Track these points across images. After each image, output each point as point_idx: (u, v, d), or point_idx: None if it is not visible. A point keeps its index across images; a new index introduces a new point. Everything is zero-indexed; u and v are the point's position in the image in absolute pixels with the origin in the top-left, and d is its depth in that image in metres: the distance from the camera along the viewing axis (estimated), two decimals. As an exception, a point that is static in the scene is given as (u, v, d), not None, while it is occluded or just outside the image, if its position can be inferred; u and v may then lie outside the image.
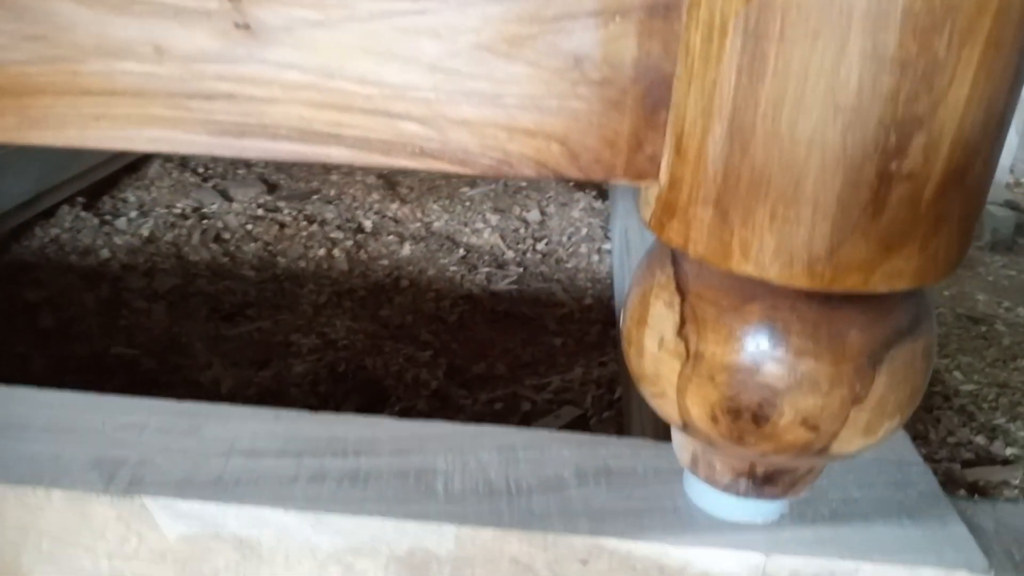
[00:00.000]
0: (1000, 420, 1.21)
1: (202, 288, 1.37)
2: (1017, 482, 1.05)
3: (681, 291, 0.31)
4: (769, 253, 0.28)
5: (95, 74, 0.30)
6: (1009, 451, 1.13)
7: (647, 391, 0.33)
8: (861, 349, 0.29)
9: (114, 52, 0.30)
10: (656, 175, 0.30)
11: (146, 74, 0.30)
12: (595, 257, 1.55)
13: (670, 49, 0.28)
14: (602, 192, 1.79)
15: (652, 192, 0.31)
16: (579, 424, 1.05)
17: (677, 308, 0.31)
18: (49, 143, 0.32)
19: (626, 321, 0.34)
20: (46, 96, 0.31)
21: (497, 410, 1.11)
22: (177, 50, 0.30)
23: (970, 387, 1.32)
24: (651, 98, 0.29)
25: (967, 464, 1.10)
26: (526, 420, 1.08)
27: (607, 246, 1.64)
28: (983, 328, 1.54)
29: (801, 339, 0.29)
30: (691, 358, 0.30)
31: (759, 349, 0.29)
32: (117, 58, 0.30)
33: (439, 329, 1.33)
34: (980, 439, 1.14)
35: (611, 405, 1.11)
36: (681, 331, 0.31)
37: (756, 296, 0.30)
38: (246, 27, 0.29)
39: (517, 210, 1.70)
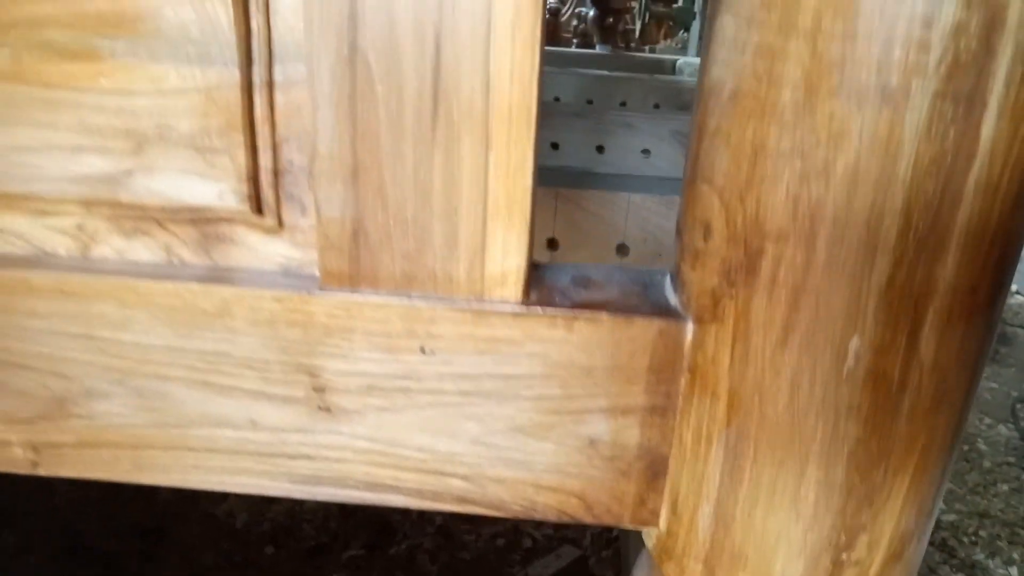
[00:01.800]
0: (979, 556, 1.26)
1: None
2: (995, 625, 1.10)
3: (676, 611, 0.38)
4: (747, 609, 0.35)
5: (198, 437, 0.37)
6: (987, 591, 1.18)
7: None
8: None
9: (216, 422, 0.37)
10: (657, 523, 0.37)
11: (241, 439, 0.37)
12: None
13: (667, 437, 0.35)
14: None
15: (653, 532, 0.38)
16: (579, 566, 1.10)
17: (673, 625, 0.38)
18: (156, 483, 0.38)
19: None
20: (155, 450, 0.38)
21: (500, 546, 1.16)
22: (268, 423, 0.36)
23: (951, 517, 1.37)
24: (652, 470, 0.36)
25: (947, 607, 1.15)
26: (527, 558, 1.13)
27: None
28: (966, 447, 1.60)
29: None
30: None
31: None
32: (218, 426, 0.37)
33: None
34: (960, 577, 1.19)
35: (609, 544, 1.16)
36: (676, 648, 0.37)
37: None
38: (327, 410, 0.36)
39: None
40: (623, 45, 3.30)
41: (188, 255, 0.36)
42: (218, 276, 0.35)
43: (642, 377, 0.34)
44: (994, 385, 1.88)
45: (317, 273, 0.35)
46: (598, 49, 2.51)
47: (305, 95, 0.33)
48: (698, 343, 0.33)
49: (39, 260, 0.36)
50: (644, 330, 0.34)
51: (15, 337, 0.36)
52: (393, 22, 0.29)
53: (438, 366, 0.35)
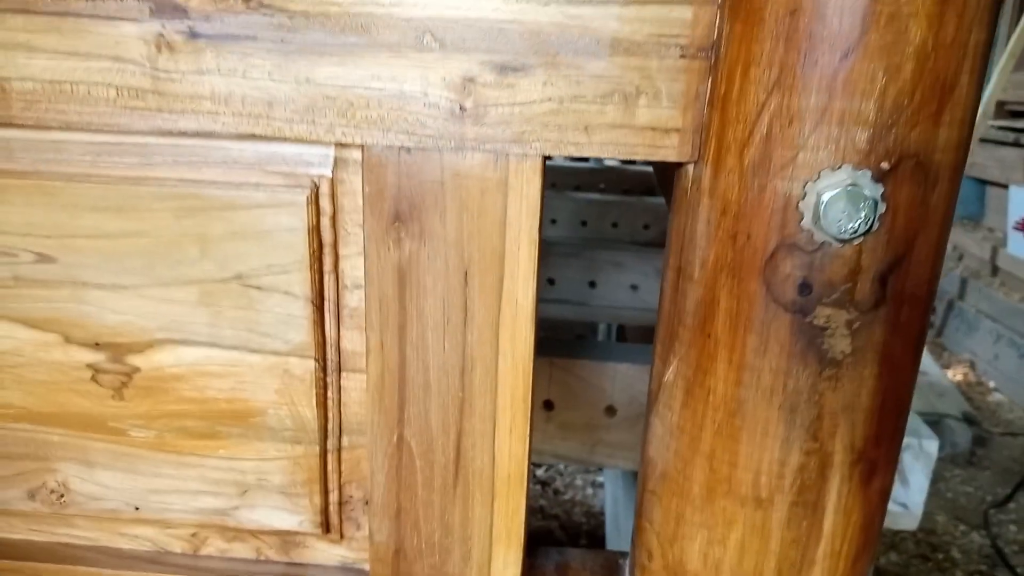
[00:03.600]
0: (946, 675, 1.35)
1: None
2: None
3: None
4: None
5: None
6: None
7: None
8: None
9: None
10: None
11: None
12: (589, 490, 1.73)
13: None
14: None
15: None
16: None
17: None
18: None
19: None
20: None
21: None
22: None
23: (921, 634, 1.47)
24: None
25: None
26: None
27: (600, 477, 1.82)
28: (940, 556, 1.70)
29: None
30: None
31: None
32: None
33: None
34: None
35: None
36: None
37: None
38: (373, 670, 0.48)
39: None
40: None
41: (272, 554, 0.49)
42: (295, 575, 0.48)
43: (607, 651, 0.47)
44: (969, 489, 1.98)
45: (367, 568, 0.48)
46: (592, 161, 2.68)
47: (364, 453, 0.46)
48: (646, 631, 0.45)
49: (160, 556, 0.49)
50: (607, 618, 0.46)
51: (144, 617, 0.48)
52: (428, 423, 0.43)
53: (457, 642, 0.47)
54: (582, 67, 0.36)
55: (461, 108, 0.37)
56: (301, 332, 0.42)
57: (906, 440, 1.10)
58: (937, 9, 0.32)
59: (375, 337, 0.41)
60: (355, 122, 0.37)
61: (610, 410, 1.13)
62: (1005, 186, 2.99)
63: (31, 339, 0.43)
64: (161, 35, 0.37)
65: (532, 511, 1.65)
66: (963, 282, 2.91)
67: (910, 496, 1.03)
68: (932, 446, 0.99)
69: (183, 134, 0.39)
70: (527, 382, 0.42)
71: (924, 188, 0.34)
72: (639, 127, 0.37)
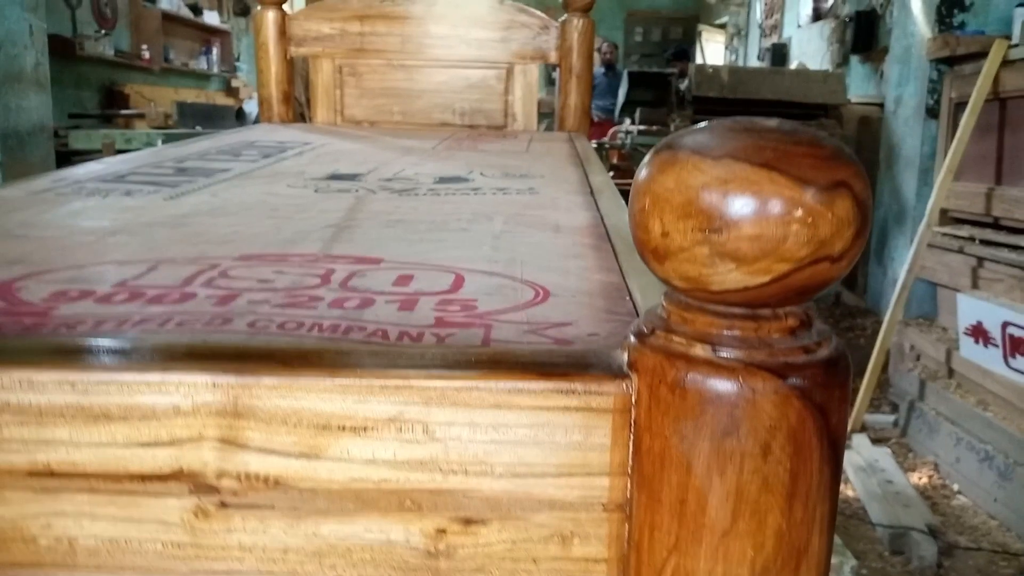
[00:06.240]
0: None
1: None
2: None
3: None
4: None
5: None
6: None
7: None
8: None
9: None
10: None
11: None
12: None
13: None
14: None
15: None
16: None
17: None
18: None
19: None
20: None
21: None
22: None
23: None
24: None
25: None
26: None
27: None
28: None
29: None
30: None
31: None
32: None
33: None
34: None
35: None
36: None
37: None
38: None
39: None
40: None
41: None
42: None
43: None
44: (938, 607, 2.07)
45: None
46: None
47: None
48: None
49: None
50: None
51: None
52: None
53: None
54: (528, 519, 0.47)
55: (436, 549, 0.47)
56: None
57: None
58: (787, 504, 0.43)
59: None
60: (352, 562, 0.48)
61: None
62: (955, 289, 3.15)
63: None
64: (198, 506, 0.47)
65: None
66: (922, 384, 3.03)
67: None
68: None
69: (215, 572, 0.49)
70: None
71: (793, 619, 0.45)
72: (575, 559, 0.47)
